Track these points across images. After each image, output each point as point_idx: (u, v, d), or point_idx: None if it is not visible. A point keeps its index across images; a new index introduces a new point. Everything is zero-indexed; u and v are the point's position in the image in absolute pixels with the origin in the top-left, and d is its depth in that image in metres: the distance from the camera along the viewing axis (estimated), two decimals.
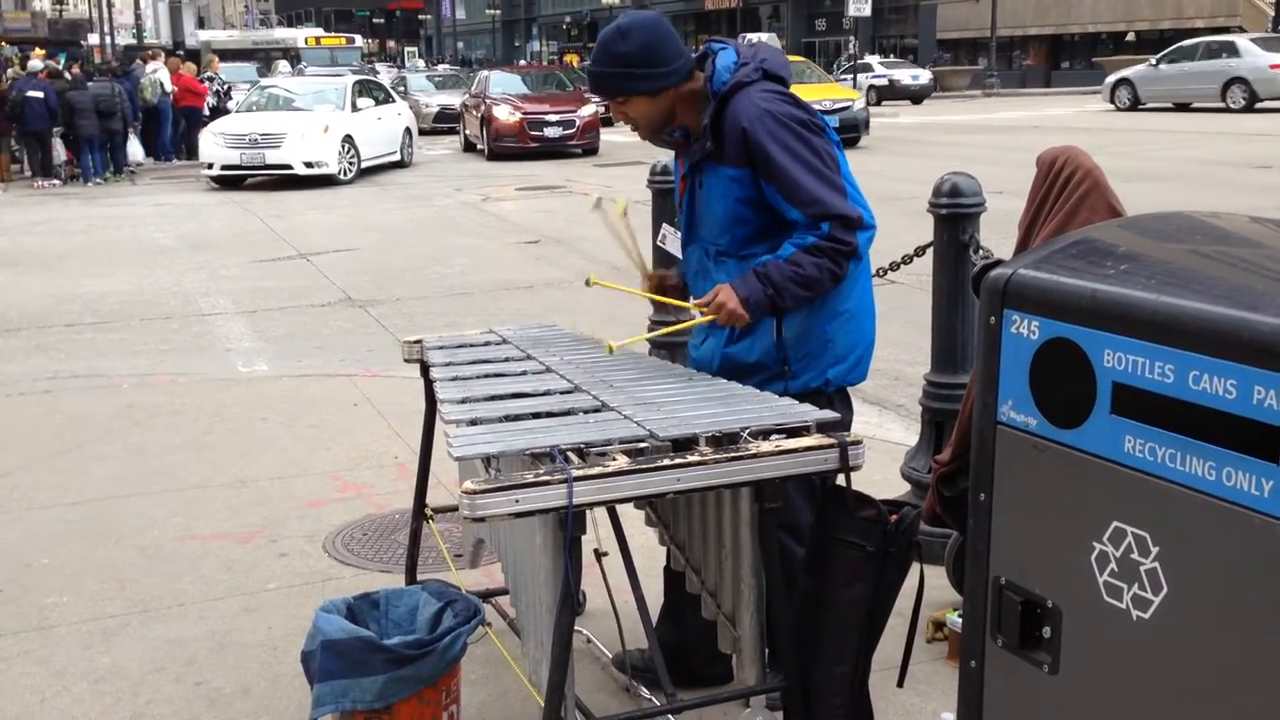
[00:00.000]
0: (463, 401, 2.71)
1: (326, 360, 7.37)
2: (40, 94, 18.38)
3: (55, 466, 5.22)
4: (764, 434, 2.40)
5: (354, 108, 19.15)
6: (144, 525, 4.50)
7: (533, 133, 21.20)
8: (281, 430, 5.66)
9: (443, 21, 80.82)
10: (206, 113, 22.12)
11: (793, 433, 2.42)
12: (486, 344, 3.34)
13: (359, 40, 49.10)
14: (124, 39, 49.06)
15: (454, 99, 28.51)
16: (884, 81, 36.80)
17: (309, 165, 17.66)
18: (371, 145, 19.26)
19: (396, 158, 20.50)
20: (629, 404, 2.57)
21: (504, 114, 21.45)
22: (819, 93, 20.13)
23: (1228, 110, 26.15)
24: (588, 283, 3.14)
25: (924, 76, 38.53)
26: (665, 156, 4.26)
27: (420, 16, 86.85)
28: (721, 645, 2.67)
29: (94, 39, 51.53)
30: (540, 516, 2.26)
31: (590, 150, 21.70)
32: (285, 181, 17.75)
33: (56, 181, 19.13)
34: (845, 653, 2.53)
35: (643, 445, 2.34)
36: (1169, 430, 1.60)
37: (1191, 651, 1.60)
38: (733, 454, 2.32)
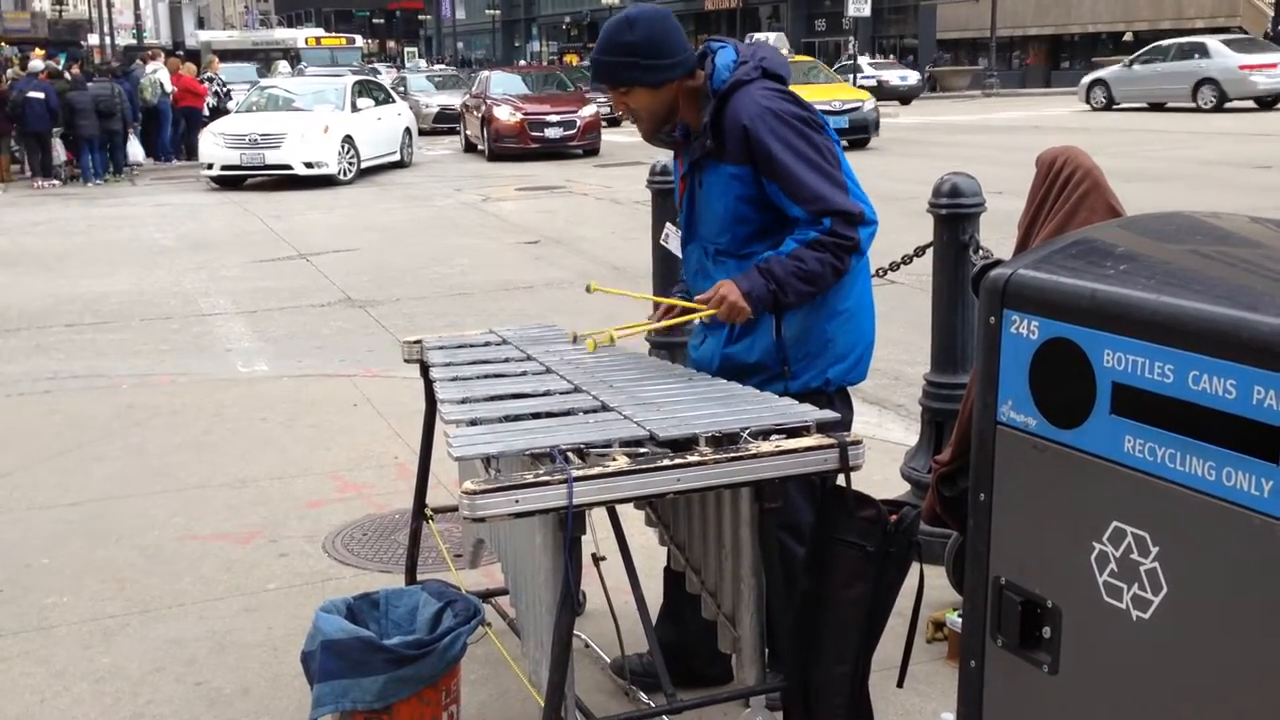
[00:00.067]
0: (463, 402, 2.71)
1: (326, 360, 7.37)
2: (41, 94, 18.38)
3: (55, 466, 5.22)
4: (764, 434, 2.40)
5: (354, 108, 19.15)
6: (144, 525, 4.50)
7: (533, 133, 21.20)
8: (281, 430, 5.66)
9: (443, 22, 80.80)
10: (206, 113, 22.12)
11: (793, 433, 2.42)
12: (486, 344, 3.34)
13: (359, 40, 49.08)
14: (124, 39, 49.06)
15: (454, 99, 28.52)
16: (873, 83, 36.82)
17: (309, 165, 17.67)
18: (371, 145, 19.26)
19: (396, 158, 20.51)
20: (629, 404, 2.57)
21: (505, 114, 21.45)
22: (829, 93, 20.06)
23: (1198, 110, 26.39)
24: (588, 289, 3.13)
25: (912, 77, 38.55)
26: (665, 157, 4.25)
27: (420, 17, 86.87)
28: (721, 645, 2.67)
29: (94, 39, 51.52)
30: (540, 517, 2.26)
31: (591, 151, 21.70)
32: (285, 182, 17.75)
33: (56, 182, 19.13)
34: (845, 653, 2.53)
35: (642, 449, 2.34)
36: (1169, 430, 1.60)
37: (1191, 652, 1.60)
38: (733, 454, 2.32)
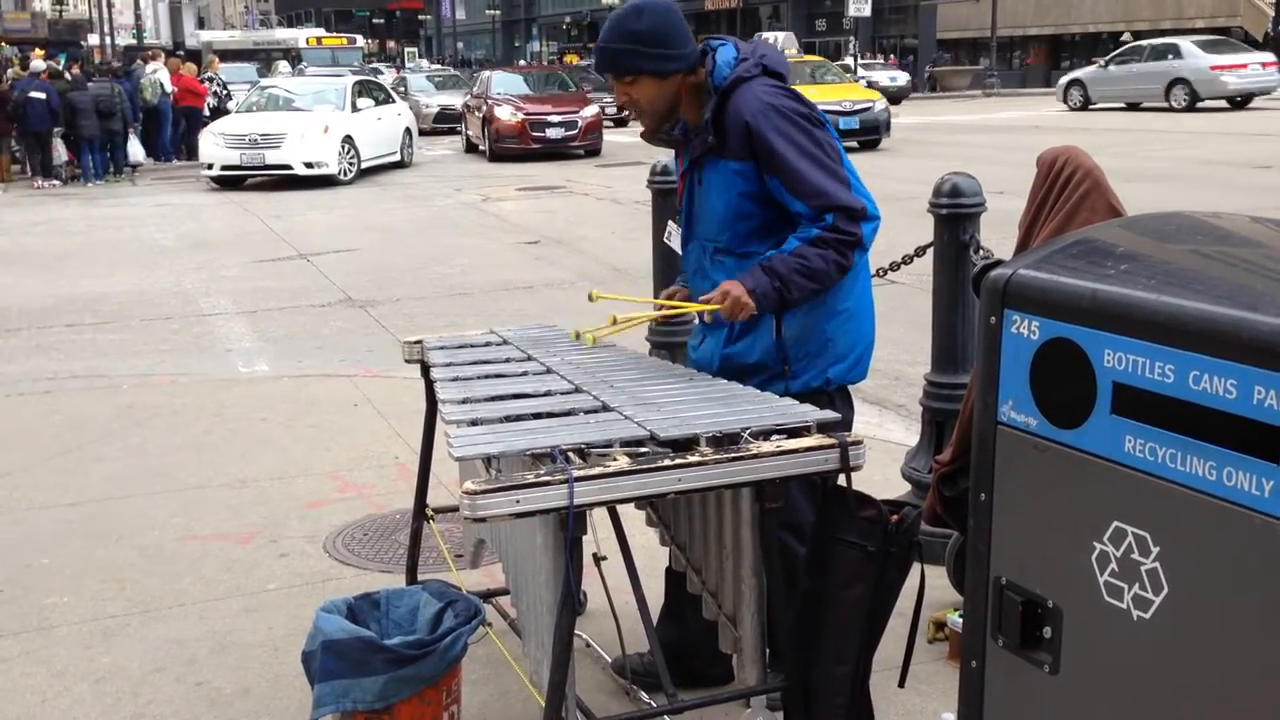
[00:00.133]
0: (463, 402, 2.71)
1: (327, 360, 7.37)
2: (42, 95, 18.39)
3: (55, 467, 5.22)
4: (765, 434, 2.40)
5: (354, 108, 19.15)
6: (144, 525, 4.50)
7: (535, 133, 21.18)
8: (282, 430, 5.66)
9: (443, 22, 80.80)
10: (206, 113, 22.13)
11: (793, 433, 2.43)
12: (487, 344, 3.34)
13: (360, 40, 49.08)
14: (124, 39, 49.12)
15: (454, 99, 28.52)
16: (862, 83, 36.83)
17: (309, 165, 17.66)
18: (371, 145, 19.26)
19: (396, 158, 20.51)
20: (630, 404, 2.57)
21: (506, 114, 21.42)
22: (839, 93, 19.93)
23: (1170, 110, 26.53)
24: (590, 298, 3.11)
25: (902, 78, 38.51)
26: (666, 156, 4.25)
27: (420, 17, 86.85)
28: (722, 645, 2.67)
29: (94, 39, 51.59)
30: (541, 517, 2.27)
31: (592, 151, 21.68)
32: (285, 182, 17.75)
33: (57, 182, 19.13)
34: (846, 653, 2.53)
35: (643, 450, 2.34)
36: (1169, 430, 1.60)
37: (1192, 651, 1.60)
38: (733, 454, 2.32)
